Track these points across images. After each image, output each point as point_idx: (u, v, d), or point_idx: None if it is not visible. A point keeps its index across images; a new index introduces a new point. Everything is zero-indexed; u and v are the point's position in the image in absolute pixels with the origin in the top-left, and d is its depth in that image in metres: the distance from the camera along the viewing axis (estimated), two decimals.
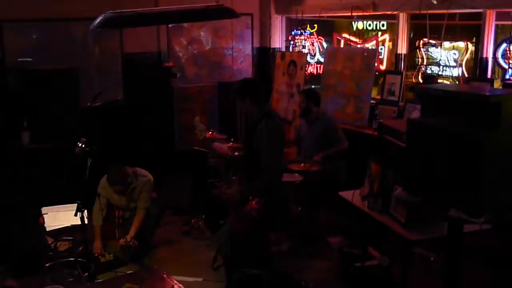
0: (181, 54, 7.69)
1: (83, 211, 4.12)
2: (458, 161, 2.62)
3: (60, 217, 5.07)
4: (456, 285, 3.28)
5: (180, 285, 3.22)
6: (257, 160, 4.01)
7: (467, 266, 3.51)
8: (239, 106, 4.29)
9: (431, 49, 5.97)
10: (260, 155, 4.00)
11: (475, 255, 3.89)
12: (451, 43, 5.88)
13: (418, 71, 6.05)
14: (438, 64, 5.94)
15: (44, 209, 5.16)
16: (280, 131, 4.21)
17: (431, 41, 5.92)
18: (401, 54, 6.43)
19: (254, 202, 4.01)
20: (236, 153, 5.19)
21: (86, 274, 4.55)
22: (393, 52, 6.63)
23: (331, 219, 5.90)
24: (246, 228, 4.08)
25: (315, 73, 7.81)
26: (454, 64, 5.83)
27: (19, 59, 6.41)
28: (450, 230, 3.22)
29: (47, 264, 4.86)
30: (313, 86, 7.72)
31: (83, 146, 4.30)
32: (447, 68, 5.90)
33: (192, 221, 6.10)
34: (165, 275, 3.36)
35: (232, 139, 6.22)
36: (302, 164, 5.55)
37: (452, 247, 3.28)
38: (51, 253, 4.92)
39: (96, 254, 5.16)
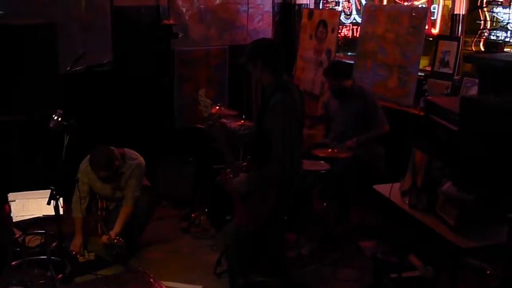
0: (184, 10, 7.66)
1: (58, 199, 4.14)
2: None
3: (30, 205, 5.12)
4: None
5: None
6: (268, 143, 3.98)
7: None
8: (252, 73, 4.24)
9: (497, 9, 5.87)
10: (272, 138, 3.97)
11: None
12: None
13: (480, 37, 5.96)
14: (505, 29, 5.85)
15: (10, 195, 5.20)
16: (298, 109, 4.16)
17: None
18: (459, 14, 6.33)
19: (264, 195, 4.00)
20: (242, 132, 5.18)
21: (61, 275, 4.61)
22: (449, 12, 6.53)
23: (364, 219, 5.89)
24: (254, 227, 4.08)
25: (350, 37, 7.75)
26: None
27: None
28: (510, 237, 3.20)
29: (14, 263, 4.92)
30: (349, 54, 7.68)
31: (60, 119, 4.32)
32: None
33: (192, 215, 6.15)
34: (151, 280, 3.38)
35: (244, 116, 6.22)
36: (330, 150, 5.53)
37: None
38: (18, 249, 4.97)
39: (74, 252, 5.23)
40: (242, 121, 6.06)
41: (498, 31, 5.89)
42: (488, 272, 4.22)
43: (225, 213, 5.57)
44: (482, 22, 5.98)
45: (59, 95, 5.90)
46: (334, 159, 5.51)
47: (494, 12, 5.90)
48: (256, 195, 4.06)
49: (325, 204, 5.67)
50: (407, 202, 4.17)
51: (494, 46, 5.85)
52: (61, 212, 4.27)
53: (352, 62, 7.06)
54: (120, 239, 5.20)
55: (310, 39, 7.65)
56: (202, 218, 6.08)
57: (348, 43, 7.76)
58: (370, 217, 5.84)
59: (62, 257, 4.65)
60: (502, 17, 5.87)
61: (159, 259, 5.44)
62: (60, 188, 4.15)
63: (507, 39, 5.84)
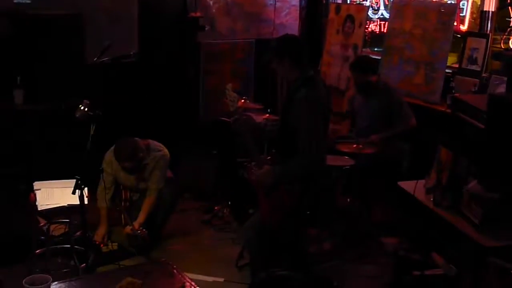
0: (211, 3, 7.69)
1: (83, 188, 4.18)
2: None
3: (55, 194, 5.15)
4: None
5: (194, 284, 3.25)
6: (293, 138, 3.99)
7: None
8: (278, 69, 4.26)
9: None
10: (297, 132, 3.98)
11: None
12: None
13: (509, 35, 5.90)
14: None
15: (36, 184, 5.23)
16: (324, 103, 4.16)
17: None
18: (489, 11, 6.26)
19: (288, 189, 4.00)
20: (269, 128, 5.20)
21: (84, 265, 4.66)
22: (478, 8, 6.47)
23: (387, 215, 5.86)
24: (278, 220, 4.09)
25: (377, 32, 7.71)
26: None
27: (15, 1, 6.47)
28: None
29: (38, 251, 4.98)
30: (375, 49, 7.63)
31: (86, 109, 4.35)
32: None
33: (215, 208, 6.17)
34: (175, 271, 3.40)
35: (269, 110, 6.22)
36: (355, 145, 5.52)
37: None
38: (42, 238, 5.02)
39: (97, 242, 5.27)
40: (267, 115, 6.07)
41: None
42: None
43: (248, 206, 5.59)
44: (511, 19, 5.91)
45: (85, 85, 5.96)
46: (358, 155, 5.49)
47: None
48: (280, 189, 4.07)
49: (348, 199, 5.66)
50: (431, 199, 4.15)
51: None
52: (86, 201, 4.31)
53: (379, 57, 7.01)
54: (143, 230, 5.23)
55: (337, 34, 7.61)
56: (225, 211, 6.10)
57: (375, 39, 7.71)
58: (394, 214, 5.80)
59: (85, 246, 4.71)
60: None
61: (181, 251, 5.48)
62: (85, 177, 4.19)
63: None
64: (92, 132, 4.24)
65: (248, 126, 4.36)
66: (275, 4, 8.08)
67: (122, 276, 3.18)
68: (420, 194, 4.27)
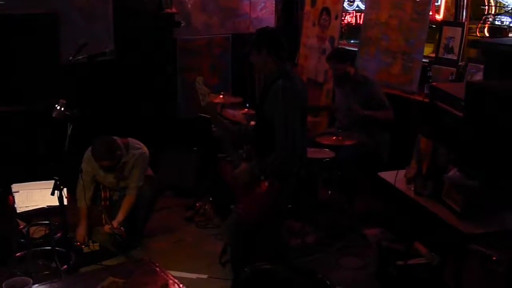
0: None
1: (62, 189, 4.15)
2: None
3: (34, 196, 5.11)
4: None
5: (177, 281, 3.24)
6: (270, 130, 3.99)
7: None
8: (255, 62, 4.27)
9: None
10: (274, 125, 3.98)
11: None
12: None
13: (484, 23, 5.93)
14: (510, 14, 5.81)
15: (14, 186, 5.19)
16: (300, 95, 4.18)
17: None
18: (463, 0, 6.30)
19: (267, 184, 4.00)
20: (252, 122, 5.19)
21: (65, 266, 4.62)
22: None
23: (369, 207, 5.89)
24: (257, 216, 4.09)
25: (353, 24, 7.72)
26: None
27: None
28: None
29: (18, 254, 4.93)
30: (352, 41, 7.65)
31: (63, 109, 4.31)
32: None
33: (197, 205, 6.15)
34: (157, 269, 3.39)
35: (248, 104, 6.21)
36: (334, 137, 5.52)
37: None
38: (22, 240, 4.99)
39: (78, 243, 5.23)
40: (246, 109, 6.06)
41: (502, 17, 5.86)
42: (494, 258, 4.22)
43: (230, 202, 5.56)
44: (486, 7, 5.94)
45: (62, 85, 5.91)
46: (339, 147, 5.50)
47: None
48: (259, 183, 4.07)
49: (330, 192, 5.67)
50: (412, 189, 4.17)
51: (499, 32, 5.82)
52: (65, 202, 4.27)
53: (356, 49, 7.03)
54: (122, 228, 5.20)
55: (313, 27, 7.61)
56: (206, 207, 6.08)
57: (351, 31, 7.72)
58: (375, 205, 5.83)
59: (66, 247, 4.68)
60: (507, 2, 5.84)
61: (164, 249, 5.45)
62: (64, 178, 4.15)
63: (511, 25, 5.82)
64: (69, 132, 4.20)
65: (227, 133, 4.37)
66: None
67: (105, 276, 3.16)
68: (401, 184, 4.29)
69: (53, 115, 4.33)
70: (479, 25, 5.99)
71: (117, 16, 7.05)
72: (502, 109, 2.72)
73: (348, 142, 5.48)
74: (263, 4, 8.19)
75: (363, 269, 5.01)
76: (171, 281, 3.24)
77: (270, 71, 4.20)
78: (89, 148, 5.33)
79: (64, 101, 4.33)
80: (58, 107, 4.33)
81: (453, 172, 3.80)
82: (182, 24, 7.42)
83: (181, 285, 3.17)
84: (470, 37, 6.19)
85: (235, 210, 4.34)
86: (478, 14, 6.09)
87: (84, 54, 5.33)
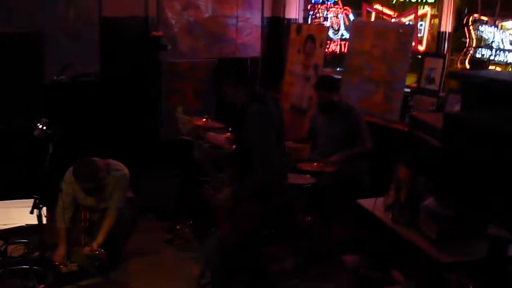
0: (173, 22, 7.69)
1: (41, 208, 4.14)
2: (503, 166, 2.62)
3: (13, 214, 5.09)
4: None
5: None
6: (249, 154, 4.02)
7: None
8: (225, 92, 4.32)
9: (482, 28, 5.94)
10: (252, 148, 4.01)
11: None
12: (508, 20, 5.84)
13: (465, 55, 6.02)
14: (490, 47, 5.91)
15: None
16: (276, 117, 4.22)
17: (482, 17, 5.89)
18: (445, 32, 6.40)
19: (247, 207, 4.02)
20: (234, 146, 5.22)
21: (43, 286, 4.60)
22: (436, 29, 6.60)
23: (348, 233, 5.89)
24: (238, 239, 4.10)
25: (338, 52, 7.81)
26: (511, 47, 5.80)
27: None
28: (491, 252, 3.22)
29: None
30: (338, 69, 7.72)
31: (44, 128, 4.32)
32: (501, 52, 5.87)
33: (177, 227, 6.14)
34: None
35: (230, 129, 6.23)
36: (315, 164, 5.56)
37: (493, 273, 3.28)
38: (0, 259, 4.94)
39: (57, 263, 5.20)
40: (229, 133, 6.08)
41: (483, 49, 5.96)
42: (469, 287, 4.25)
43: (210, 225, 5.56)
44: (467, 40, 6.04)
45: (43, 104, 5.90)
46: (319, 173, 5.52)
47: (479, 31, 5.97)
48: (239, 207, 4.08)
49: (309, 218, 5.68)
50: (390, 216, 4.20)
51: (479, 64, 5.91)
52: (44, 221, 4.27)
53: (340, 77, 7.10)
54: (102, 250, 5.18)
55: (299, 54, 7.69)
56: (186, 230, 6.08)
57: (336, 59, 7.81)
58: (354, 232, 5.84)
59: (44, 267, 4.65)
60: (487, 35, 5.94)
61: (143, 271, 5.42)
62: (43, 197, 4.15)
63: (491, 57, 5.91)
64: (50, 151, 4.21)
65: (208, 157, 4.40)
66: (237, 24, 8.12)
67: None
68: (379, 212, 4.32)
69: (35, 134, 4.34)
70: (460, 57, 6.09)
71: (104, 37, 7.08)
72: (478, 139, 2.76)
73: (328, 169, 5.52)
74: (249, 30, 8.24)
75: None
76: None
77: (241, 98, 4.23)
78: (70, 169, 5.31)
79: (46, 120, 4.35)
80: (40, 126, 4.35)
81: (429, 201, 3.84)
82: (169, 47, 7.45)
83: None
84: (452, 69, 6.29)
85: (216, 233, 4.35)
86: (460, 46, 6.19)
87: (69, 74, 5.36)
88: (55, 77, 5.80)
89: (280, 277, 5.20)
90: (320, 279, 5.31)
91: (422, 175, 4.00)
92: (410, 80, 6.70)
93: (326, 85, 5.91)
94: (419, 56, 6.68)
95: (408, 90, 6.58)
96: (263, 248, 4.52)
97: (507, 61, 5.84)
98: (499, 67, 5.89)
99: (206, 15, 7.90)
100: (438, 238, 3.73)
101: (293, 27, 7.92)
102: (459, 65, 6.11)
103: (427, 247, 3.78)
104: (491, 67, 5.87)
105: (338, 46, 7.82)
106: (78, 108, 6.67)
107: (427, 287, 4.20)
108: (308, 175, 5.58)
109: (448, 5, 6.37)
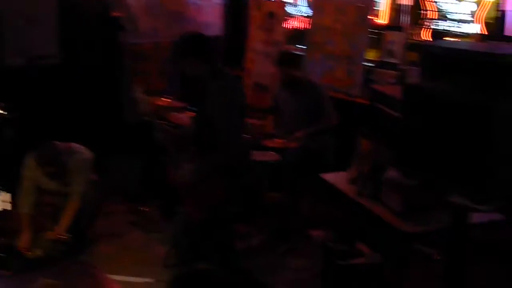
0: (132, 2, 7.57)
1: (3, 194, 4.08)
2: (462, 135, 2.63)
3: None
4: (461, 286, 3.33)
5: (115, 284, 3.21)
6: (210, 131, 3.99)
7: (475, 265, 3.55)
8: (185, 68, 4.28)
9: (442, 0, 5.98)
10: (214, 125, 3.98)
11: (485, 251, 3.94)
12: None
13: (427, 28, 6.06)
14: (449, 19, 5.96)
15: None
16: (237, 93, 4.21)
17: None
18: (405, 5, 6.43)
19: (211, 185, 4.01)
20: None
21: (9, 272, 4.54)
22: (395, 2, 6.62)
23: (314, 209, 5.93)
24: (203, 216, 4.09)
25: (299, 28, 7.78)
26: (471, 19, 5.84)
27: None
28: (453, 221, 3.25)
29: None
30: (298, 46, 7.70)
31: (2, 112, 4.24)
32: (461, 24, 5.92)
33: (142, 209, 6.10)
34: (95, 271, 3.35)
35: (193, 108, 6.19)
36: (279, 140, 5.56)
37: (456, 241, 3.31)
38: None
39: (22, 249, 5.13)
40: (192, 112, 6.04)
41: (442, 21, 6.01)
42: (434, 257, 4.31)
43: (176, 206, 5.54)
44: (427, 12, 6.07)
45: (3, 88, 5.78)
46: (284, 150, 5.53)
47: (438, 3, 6.00)
48: (203, 184, 4.07)
49: (275, 194, 5.69)
50: (354, 190, 4.22)
51: (439, 36, 5.96)
52: (8, 207, 4.20)
53: (301, 53, 7.09)
54: (67, 234, 5.12)
55: (259, 31, 7.65)
56: (152, 211, 6.05)
57: (298, 35, 7.78)
58: (321, 207, 5.87)
59: (9, 253, 4.59)
60: (446, 7, 5.98)
61: (110, 254, 5.38)
62: (4, 183, 4.09)
63: (452, 29, 5.96)
64: (9, 136, 4.14)
65: (170, 138, 4.38)
66: (198, 2, 8.04)
67: (37, 278, 3.10)
68: (344, 185, 4.34)
69: None
70: (422, 29, 6.12)
71: (62, 18, 6.94)
72: (436, 109, 2.77)
73: (293, 145, 5.52)
74: (210, 9, 8.17)
75: (308, 270, 5.03)
76: (109, 283, 3.20)
77: (201, 74, 4.22)
78: (31, 154, 5.22)
79: (3, 104, 4.27)
80: None
81: (392, 173, 3.86)
82: (129, 28, 7.34)
83: (119, 287, 3.14)
84: (412, 41, 6.32)
85: (181, 211, 4.33)
86: (418, 18, 6.22)
87: (26, 57, 5.26)
88: (11, 60, 5.68)
89: (247, 254, 5.21)
90: (288, 255, 5.33)
91: (384, 147, 4.02)
92: (374, 55, 6.72)
93: (287, 61, 5.90)
94: (381, 31, 6.69)
95: (370, 64, 6.61)
96: (230, 226, 4.52)
97: (466, 32, 5.90)
98: (459, 39, 5.94)
99: None
100: (402, 209, 3.76)
101: (253, 4, 7.86)
102: (422, 37, 6.15)
103: (392, 219, 3.81)
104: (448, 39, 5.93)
105: (300, 23, 7.79)
106: (38, 91, 6.52)
107: (393, 258, 4.25)
108: (272, 152, 5.58)
109: None
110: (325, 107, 5.81)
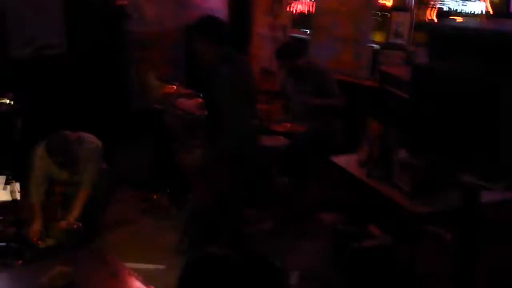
0: None
1: (13, 183, 4.09)
2: (472, 114, 2.63)
3: None
4: (473, 266, 3.33)
5: (129, 270, 3.22)
6: (219, 116, 3.99)
7: (487, 245, 3.55)
8: (199, 50, 4.27)
9: None
10: (222, 110, 3.98)
11: (497, 230, 3.93)
12: None
13: (431, 7, 6.02)
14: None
15: None
16: (246, 79, 4.19)
17: None
18: None
19: (221, 169, 4.01)
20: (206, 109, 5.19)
21: (21, 262, 4.56)
22: None
23: (324, 192, 5.93)
24: (213, 201, 4.10)
25: (306, 12, 7.74)
26: None
27: None
28: (464, 200, 3.25)
29: None
30: (304, 29, 7.67)
31: (11, 102, 4.25)
32: (467, 2, 5.88)
33: (153, 196, 6.12)
34: (108, 258, 3.37)
35: (201, 95, 6.19)
36: (288, 124, 5.55)
37: (467, 221, 3.31)
38: None
39: (34, 239, 5.16)
40: (199, 99, 6.04)
41: (449, 1, 5.96)
42: (445, 237, 4.31)
43: (187, 193, 5.56)
44: None
45: (11, 79, 5.80)
46: (293, 134, 5.52)
47: None
48: (213, 170, 4.07)
49: (285, 179, 5.70)
50: (364, 172, 4.22)
51: (446, 15, 5.92)
52: (18, 197, 4.22)
53: (305, 37, 7.07)
54: (78, 223, 5.15)
55: (265, 16, 7.63)
56: (163, 198, 6.06)
57: (304, 19, 7.74)
58: (331, 190, 5.87)
59: (21, 243, 4.61)
60: None
61: (121, 242, 5.41)
62: (15, 172, 4.10)
63: (458, 9, 5.92)
64: (19, 126, 4.15)
65: (182, 124, 4.38)
66: None
67: (53, 266, 3.12)
68: (354, 168, 4.34)
69: (1, 110, 4.28)
70: (429, 9, 6.08)
71: (68, 9, 6.94)
72: (445, 89, 2.76)
73: (301, 129, 5.51)
74: None
75: (319, 253, 5.04)
76: (121, 269, 3.22)
77: (214, 58, 4.20)
78: (42, 143, 5.24)
79: (12, 94, 4.28)
80: (7, 101, 4.28)
81: (402, 154, 3.85)
82: (134, 16, 7.33)
83: (132, 273, 3.16)
84: (419, 22, 6.29)
85: (192, 197, 4.34)
86: None
87: (34, 47, 5.27)
88: (19, 51, 5.69)
89: (257, 238, 5.23)
90: (298, 238, 5.34)
91: (393, 129, 4.01)
92: (381, 37, 6.68)
93: (283, 53, 5.86)
94: (387, 13, 6.65)
95: (377, 46, 6.57)
96: (240, 211, 4.53)
97: (473, 12, 5.85)
98: (465, 17, 5.89)
99: None
100: (412, 190, 3.76)
101: None
102: (427, 18, 6.11)
103: (402, 200, 3.81)
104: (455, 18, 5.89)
105: (306, 6, 7.75)
106: (45, 81, 6.55)
107: (404, 239, 4.26)
108: (281, 136, 5.58)
109: None
110: (331, 89, 5.78)
